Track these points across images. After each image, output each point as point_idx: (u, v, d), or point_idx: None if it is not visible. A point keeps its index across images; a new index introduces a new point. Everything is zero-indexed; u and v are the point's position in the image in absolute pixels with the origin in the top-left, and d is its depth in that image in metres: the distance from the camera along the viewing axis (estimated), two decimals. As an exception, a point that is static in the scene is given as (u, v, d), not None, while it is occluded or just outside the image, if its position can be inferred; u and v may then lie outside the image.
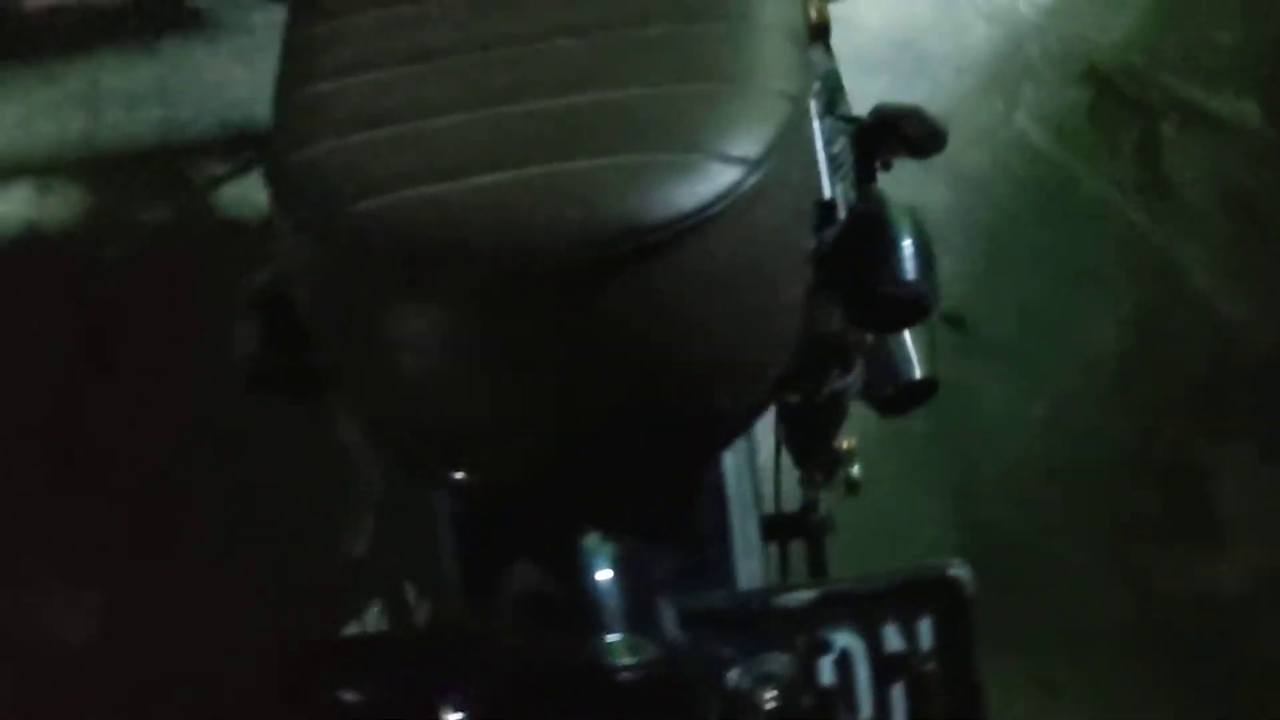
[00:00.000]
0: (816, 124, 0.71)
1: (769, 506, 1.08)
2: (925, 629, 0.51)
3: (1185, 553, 1.53)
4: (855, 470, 1.09)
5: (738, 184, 0.48)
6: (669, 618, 0.48)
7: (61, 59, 1.62)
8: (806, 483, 1.05)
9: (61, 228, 1.54)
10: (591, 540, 0.47)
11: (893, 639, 0.51)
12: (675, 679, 0.47)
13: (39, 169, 1.57)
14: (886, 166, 1.06)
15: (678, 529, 0.54)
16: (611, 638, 0.45)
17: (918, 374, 1.12)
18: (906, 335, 1.13)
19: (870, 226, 0.62)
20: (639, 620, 0.46)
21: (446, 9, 0.57)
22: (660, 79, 0.53)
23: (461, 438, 0.48)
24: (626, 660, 0.45)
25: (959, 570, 0.52)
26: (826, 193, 0.69)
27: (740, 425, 0.56)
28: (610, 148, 0.49)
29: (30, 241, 1.53)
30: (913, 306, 0.62)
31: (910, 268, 0.61)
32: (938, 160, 1.83)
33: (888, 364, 1.12)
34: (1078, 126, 1.83)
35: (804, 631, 0.50)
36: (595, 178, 0.47)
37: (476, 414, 0.47)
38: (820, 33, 0.71)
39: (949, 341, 1.65)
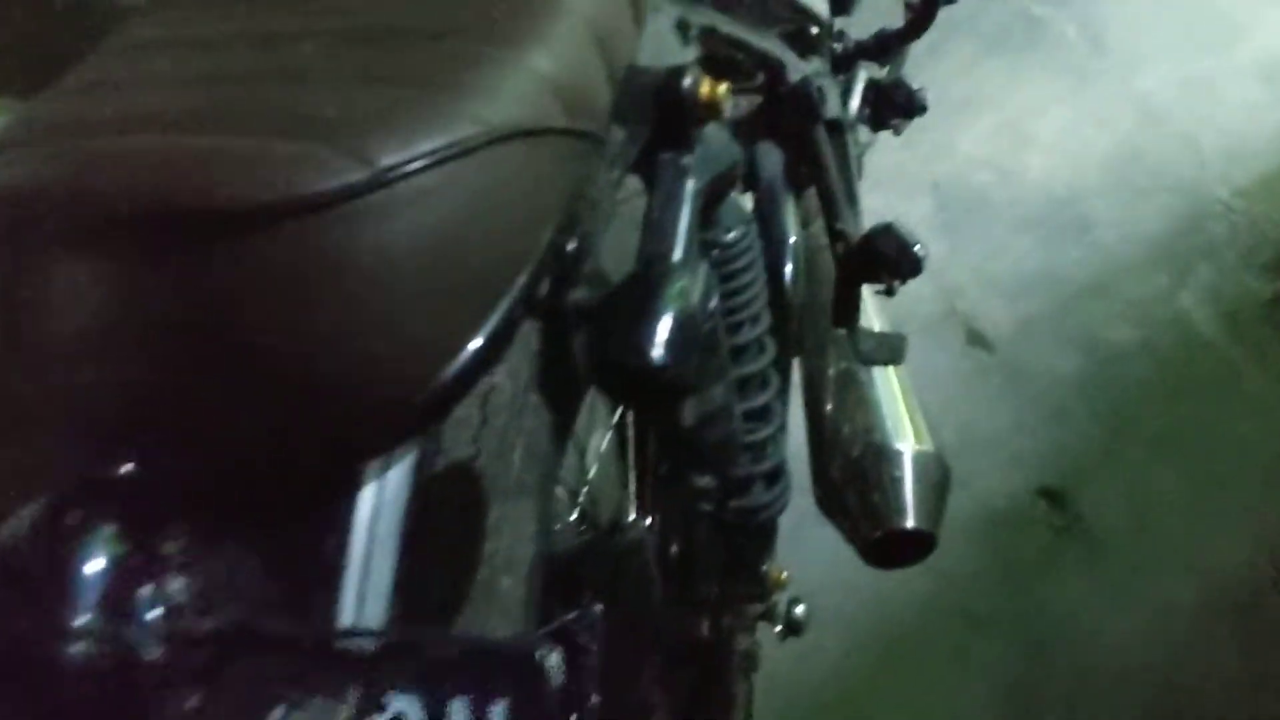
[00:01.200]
0: (687, 203, 0.66)
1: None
2: (499, 713, 0.44)
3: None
4: (800, 610, 0.98)
5: (360, 184, 0.44)
6: (182, 626, 0.43)
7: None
8: (736, 612, 0.95)
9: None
10: (105, 530, 0.43)
11: (459, 714, 0.44)
12: (148, 682, 0.42)
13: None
14: (889, 292, 0.97)
15: (280, 551, 0.49)
16: (77, 620, 0.41)
17: (908, 523, 1.00)
18: (908, 479, 1.02)
19: (632, 292, 0.56)
20: (122, 616, 0.41)
21: (228, 14, 0.58)
22: (360, 82, 0.50)
23: (64, 405, 0.46)
24: (78, 645, 0.40)
25: (547, 654, 0.44)
26: (675, 254, 0.64)
27: (356, 454, 0.50)
28: (255, 129, 0.46)
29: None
30: (645, 382, 0.55)
31: (654, 342, 0.54)
32: (1074, 326, 1.68)
33: (875, 506, 1.01)
34: (1253, 318, 1.63)
35: (362, 684, 0.44)
36: (216, 153, 0.45)
37: (75, 377, 0.45)
38: (710, 112, 0.66)
39: (1041, 519, 1.49)
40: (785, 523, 0.97)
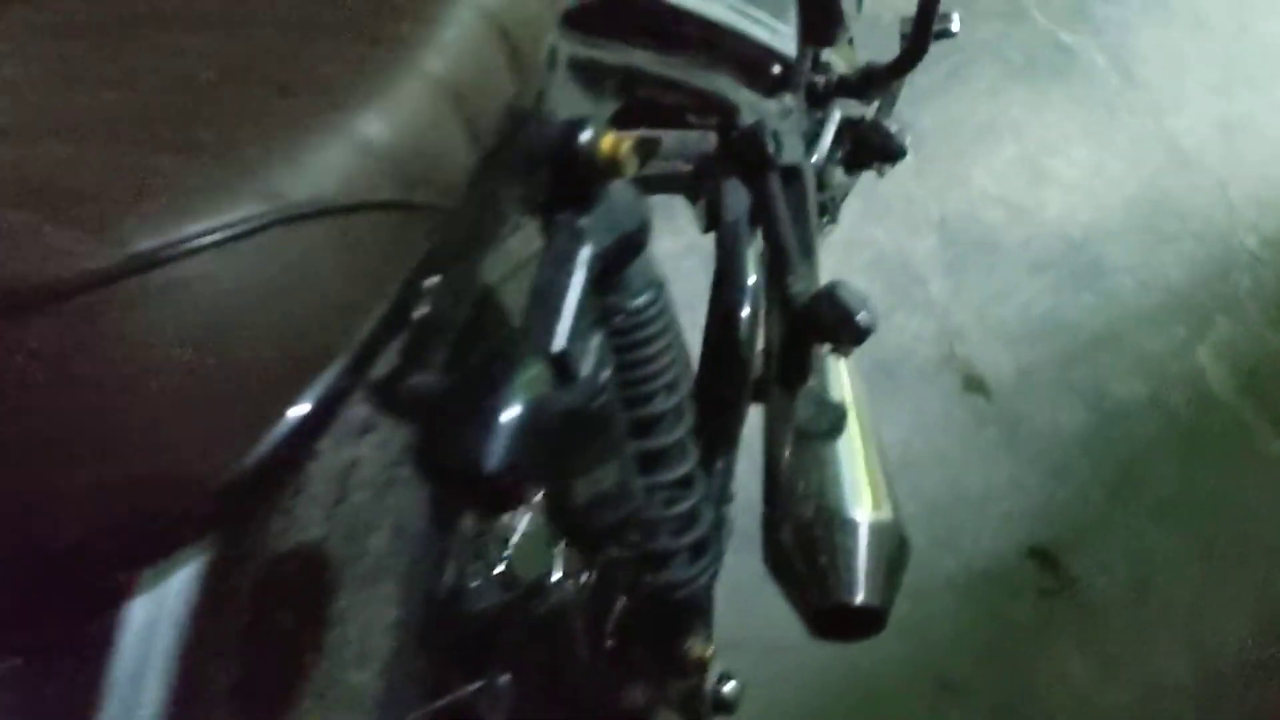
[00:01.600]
0: (581, 269, 0.59)
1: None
2: None
3: None
4: (729, 688, 0.91)
5: (107, 270, 0.39)
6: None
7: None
8: (661, 686, 0.88)
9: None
10: None
11: None
12: None
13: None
14: (843, 353, 0.90)
15: (36, 672, 0.44)
16: None
17: (857, 599, 0.94)
18: (861, 551, 0.96)
19: (474, 382, 0.50)
20: None
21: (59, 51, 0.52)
22: (147, 147, 0.44)
23: None
24: None
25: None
26: (559, 343, 0.57)
27: (115, 565, 0.45)
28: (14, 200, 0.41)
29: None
30: (474, 487, 0.49)
31: (487, 443, 0.48)
32: (1081, 377, 1.60)
33: (824, 576, 0.95)
34: (1271, 378, 1.54)
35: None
36: None
37: None
38: (612, 169, 0.59)
39: (1031, 582, 1.41)
40: (748, 574, 0.92)
